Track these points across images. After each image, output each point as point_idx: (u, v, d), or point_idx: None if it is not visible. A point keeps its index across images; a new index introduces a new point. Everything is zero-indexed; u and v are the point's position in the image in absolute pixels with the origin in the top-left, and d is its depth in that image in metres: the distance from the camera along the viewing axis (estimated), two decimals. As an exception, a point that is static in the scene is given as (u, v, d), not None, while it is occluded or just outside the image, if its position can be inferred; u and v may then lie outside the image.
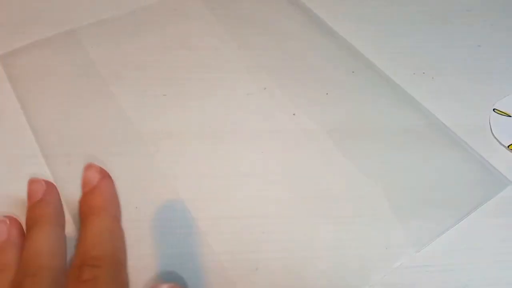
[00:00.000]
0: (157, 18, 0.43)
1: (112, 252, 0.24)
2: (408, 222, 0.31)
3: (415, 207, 0.32)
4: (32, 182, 0.28)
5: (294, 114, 0.37)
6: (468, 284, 0.29)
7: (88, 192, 0.27)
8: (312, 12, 0.44)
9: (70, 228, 0.28)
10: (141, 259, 0.29)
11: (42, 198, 0.27)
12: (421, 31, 0.43)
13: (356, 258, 0.30)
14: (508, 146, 0.35)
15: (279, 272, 0.29)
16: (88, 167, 0.27)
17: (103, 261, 0.24)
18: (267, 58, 0.40)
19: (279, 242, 0.30)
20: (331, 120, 0.36)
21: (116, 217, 0.26)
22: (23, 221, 0.30)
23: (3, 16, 0.43)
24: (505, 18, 0.44)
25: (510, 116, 0.37)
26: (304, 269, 0.29)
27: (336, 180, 0.33)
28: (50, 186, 0.28)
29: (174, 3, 0.45)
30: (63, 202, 0.31)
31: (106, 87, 0.38)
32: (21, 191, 0.32)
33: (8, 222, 0.26)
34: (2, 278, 0.24)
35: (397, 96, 0.38)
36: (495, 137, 0.36)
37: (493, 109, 0.38)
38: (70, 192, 0.31)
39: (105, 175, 0.27)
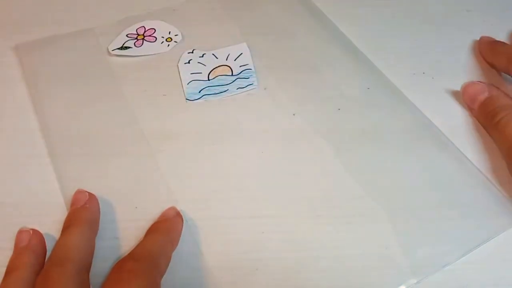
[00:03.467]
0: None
1: (154, 257, 0.27)
2: (411, 247, 0.30)
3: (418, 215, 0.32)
4: (78, 192, 0.31)
5: (294, 114, 0.37)
6: (468, 284, 0.29)
7: (161, 220, 0.30)
8: (315, 11, 0.44)
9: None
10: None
11: (83, 206, 0.30)
12: (421, 31, 0.43)
13: (356, 258, 0.30)
14: (508, 146, 0.35)
15: (279, 272, 0.29)
16: (171, 207, 0.31)
17: (144, 258, 0.27)
18: (268, 58, 0.40)
19: (279, 242, 0.30)
20: (331, 121, 0.36)
21: (172, 242, 0.29)
22: (23, 222, 0.30)
23: (23, 9, 0.44)
24: (505, 18, 0.44)
25: (510, 116, 0.37)
26: (304, 269, 0.29)
27: (336, 180, 0.33)
28: (92, 197, 0.31)
29: (175, 4, 0.45)
30: (66, 201, 0.32)
31: (106, 86, 0.38)
32: (27, 190, 0.32)
33: (31, 232, 0.29)
34: (16, 275, 0.27)
35: (398, 98, 0.38)
36: (495, 137, 0.36)
37: (493, 109, 0.37)
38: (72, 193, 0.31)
39: (179, 214, 0.31)
